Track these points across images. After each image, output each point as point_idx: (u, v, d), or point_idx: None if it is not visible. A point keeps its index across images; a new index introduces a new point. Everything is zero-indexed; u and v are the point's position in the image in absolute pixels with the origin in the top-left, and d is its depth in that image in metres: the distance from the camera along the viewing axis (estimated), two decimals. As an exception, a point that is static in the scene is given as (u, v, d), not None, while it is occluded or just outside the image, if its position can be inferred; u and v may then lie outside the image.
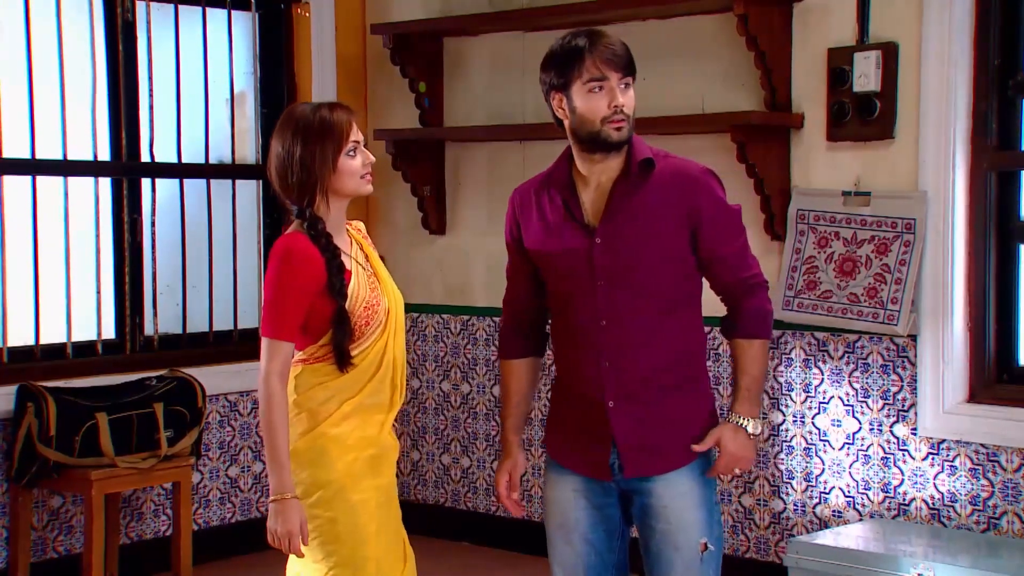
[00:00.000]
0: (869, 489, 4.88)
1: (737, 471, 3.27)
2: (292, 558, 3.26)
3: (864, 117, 4.79)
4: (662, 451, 3.18)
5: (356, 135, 3.24)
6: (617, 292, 3.15)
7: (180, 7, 5.74)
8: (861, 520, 4.87)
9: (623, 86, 3.12)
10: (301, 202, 3.21)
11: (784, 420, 5.06)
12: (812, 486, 5.02)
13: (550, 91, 3.17)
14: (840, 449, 4.95)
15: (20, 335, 5.28)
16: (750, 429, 3.20)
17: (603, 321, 3.16)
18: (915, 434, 4.77)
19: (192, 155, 5.82)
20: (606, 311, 3.15)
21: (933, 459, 4.74)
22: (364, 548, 3.23)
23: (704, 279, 3.25)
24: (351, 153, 3.22)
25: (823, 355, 4.95)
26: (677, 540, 3.16)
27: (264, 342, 3.16)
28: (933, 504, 4.73)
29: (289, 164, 3.20)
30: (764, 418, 5.02)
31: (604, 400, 3.17)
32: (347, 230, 3.34)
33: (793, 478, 5.06)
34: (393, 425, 3.39)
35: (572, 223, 3.19)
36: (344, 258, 3.23)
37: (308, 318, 3.18)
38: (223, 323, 5.90)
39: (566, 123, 3.17)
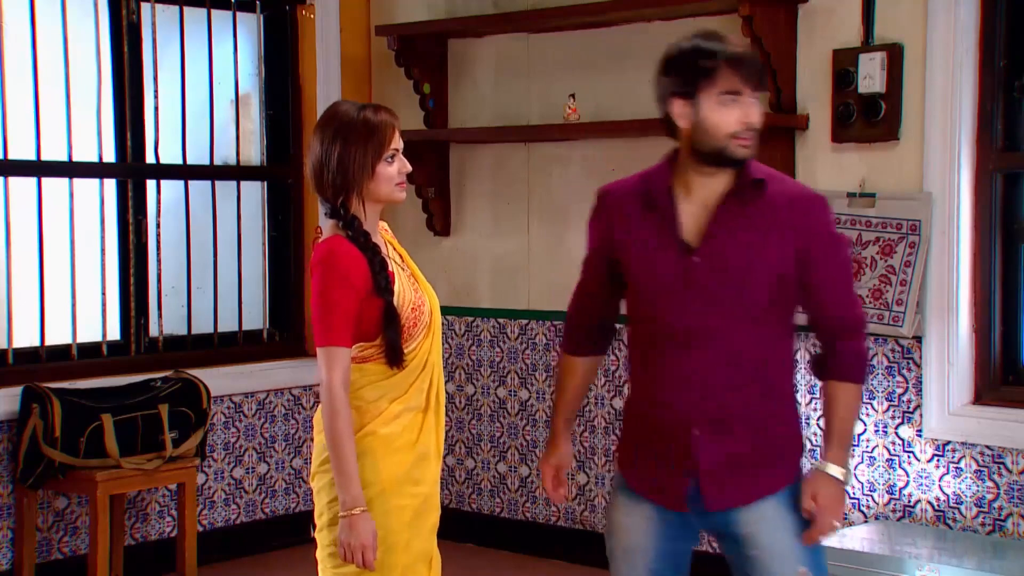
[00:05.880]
0: (874, 491, 4.88)
1: (837, 525, 3.02)
2: (323, 565, 3.24)
3: (869, 118, 4.78)
4: (748, 482, 3.01)
5: (397, 142, 3.19)
6: (712, 315, 2.95)
7: (185, 9, 5.74)
8: (866, 522, 4.86)
9: (754, 101, 2.96)
10: (335, 201, 3.17)
11: (789, 422, 5.05)
12: (817, 488, 5.01)
13: (670, 96, 2.97)
14: (845, 451, 4.94)
15: (25, 336, 5.28)
16: (841, 478, 3.00)
17: (693, 344, 2.97)
18: (920, 436, 4.76)
19: (197, 157, 5.82)
20: (698, 334, 2.96)
21: (938, 461, 4.73)
22: (392, 556, 3.19)
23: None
24: (390, 160, 3.17)
25: (828, 357, 4.95)
26: (771, 568, 2.99)
27: (321, 352, 3.10)
28: (938, 506, 4.73)
29: (327, 162, 3.15)
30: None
31: (688, 428, 2.98)
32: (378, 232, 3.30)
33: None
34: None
35: (668, 239, 2.99)
36: (384, 258, 3.20)
37: (359, 320, 3.12)
38: (228, 324, 5.91)
39: (683, 131, 2.98)
